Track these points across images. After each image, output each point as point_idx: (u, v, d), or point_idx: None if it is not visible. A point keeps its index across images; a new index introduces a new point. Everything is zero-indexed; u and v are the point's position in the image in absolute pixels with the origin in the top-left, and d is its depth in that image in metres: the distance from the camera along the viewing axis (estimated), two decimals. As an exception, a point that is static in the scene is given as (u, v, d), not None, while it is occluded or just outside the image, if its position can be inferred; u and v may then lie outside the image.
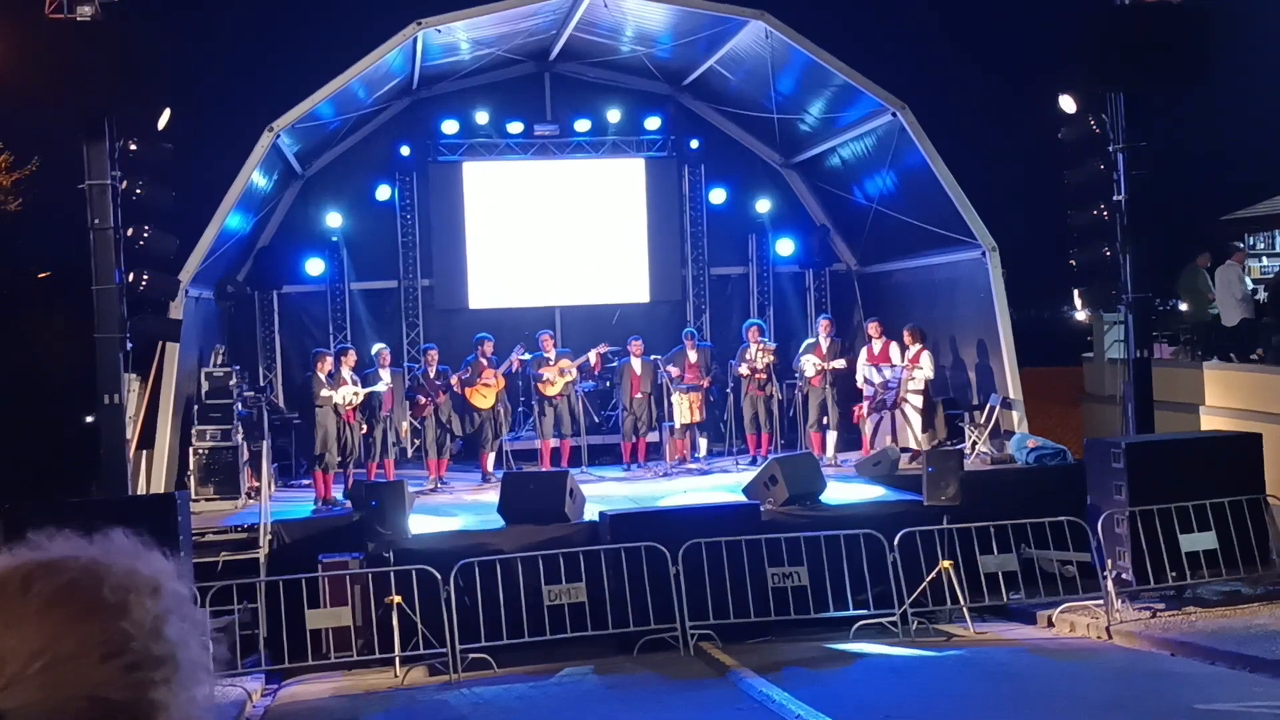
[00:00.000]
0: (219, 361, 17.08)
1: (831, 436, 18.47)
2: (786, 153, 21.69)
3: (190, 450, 16.21)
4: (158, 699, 1.37)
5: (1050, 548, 14.13)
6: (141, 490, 15.51)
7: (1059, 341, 25.99)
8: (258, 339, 20.27)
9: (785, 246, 21.66)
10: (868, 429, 18.16)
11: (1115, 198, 15.96)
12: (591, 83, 21.13)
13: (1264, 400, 15.93)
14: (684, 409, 17.94)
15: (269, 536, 14.28)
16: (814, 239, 21.56)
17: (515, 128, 20.73)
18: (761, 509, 14.49)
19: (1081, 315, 19.68)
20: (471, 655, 12.65)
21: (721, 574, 13.29)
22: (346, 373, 16.34)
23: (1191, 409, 16.93)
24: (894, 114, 17.95)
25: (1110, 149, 15.99)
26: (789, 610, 13.49)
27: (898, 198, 19.57)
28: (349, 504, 15.21)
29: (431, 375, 17.49)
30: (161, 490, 15.59)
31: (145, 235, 14.63)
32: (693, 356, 18.25)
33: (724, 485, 16.59)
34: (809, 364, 18.25)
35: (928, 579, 13.62)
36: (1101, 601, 13.14)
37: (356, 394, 16.29)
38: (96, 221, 14.24)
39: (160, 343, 16.02)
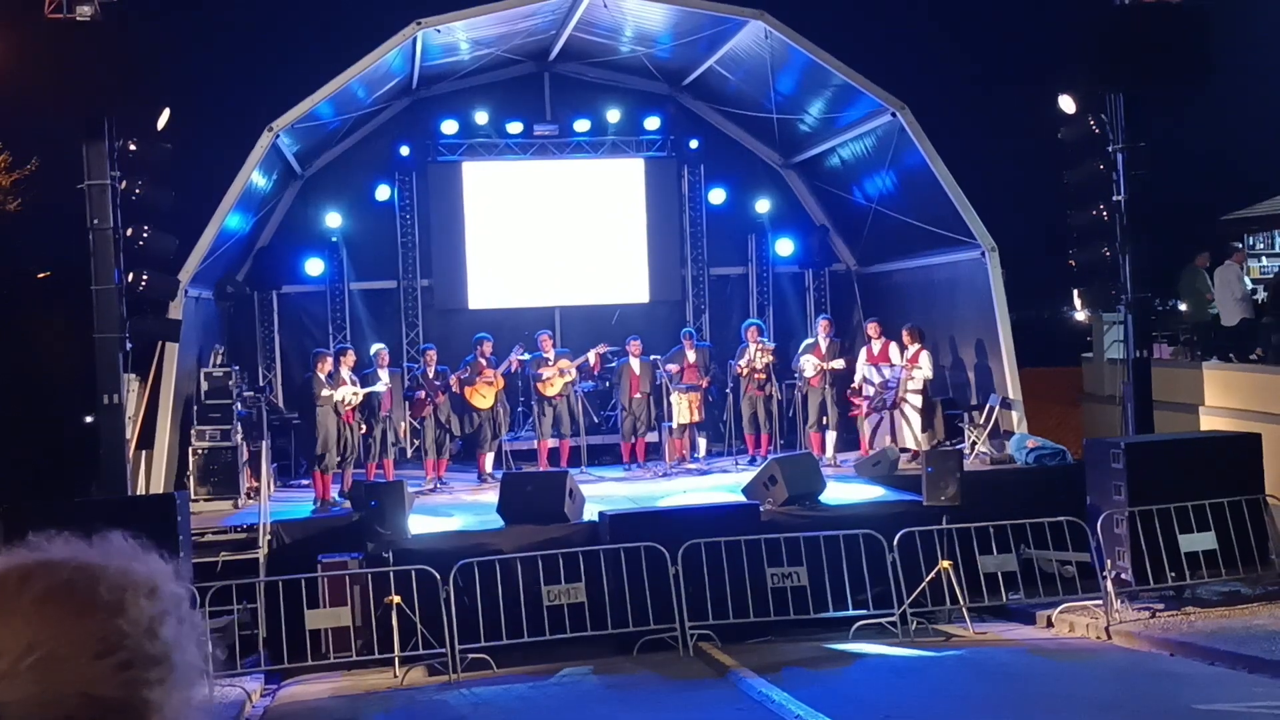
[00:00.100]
0: (218, 361, 17.08)
1: (831, 437, 18.47)
2: (786, 153, 21.69)
3: (190, 450, 16.22)
4: (151, 699, 1.37)
5: (1050, 548, 14.12)
6: (141, 490, 15.51)
7: (1059, 341, 25.96)
8: (257, 339, 20.27)
9: (785, 246, 21.67)
10: (867, 429, 18.17)
11: (1115, 198, 15.96)
12: (591, 83, 21.13)
13: (1263, 400, 15.92)
14: (683, 409, 17.94)
15: (268, 537, 14.29)
16: (813, 239, 21.57)
17: (515, 128, 20.73)
18: (761, 509, 14.48)
19: (1081, 315, 19.68)
20: (471, 655, 12.65)
21: (721, 574, 13.29)
22: (346, 373, 16.33)
23: (1191, 409, 16.93)
24: (893, 114, 17.95)
25: (1110, 149, 15.98)
26: (788, 610, 13.49)
27: (897, 198, 19.57)
28: (348, 504, 15.21)
29: (430, 375, 17.49)
30: (161, 490, 15.59)
31: (145, 235, 14.63)
32: (691, 356, 18.24)
33: (723, 485, 16.59)
34: (808, 364, 18.25)
35: (927, 579, 13.61)
36: (1101, 602, 13.14)
37: (356, 394, 16.29)
38: (96, 221, 14.24)
39: (160, 343, 16.01)
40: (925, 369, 17.57)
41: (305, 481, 17.42)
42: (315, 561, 13.48)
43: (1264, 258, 22.53)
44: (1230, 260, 18.32)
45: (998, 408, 17.72)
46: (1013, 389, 17.82)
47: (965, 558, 13.72)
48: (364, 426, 16.69)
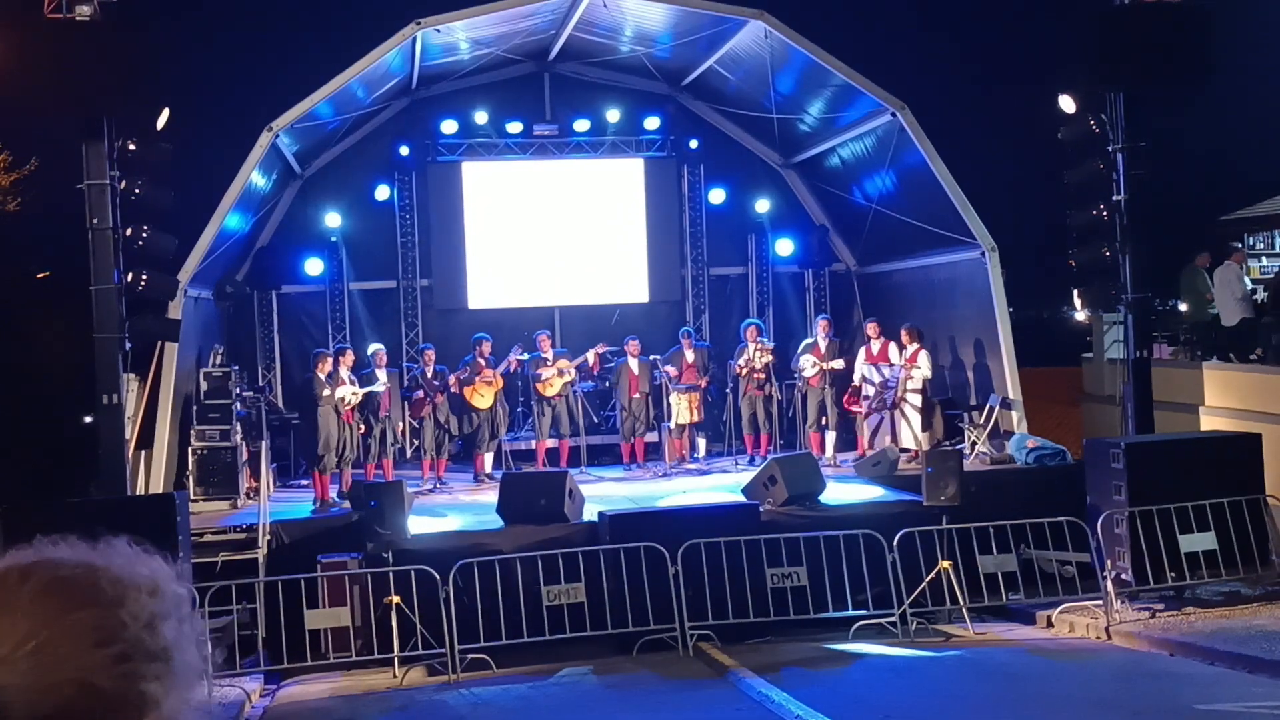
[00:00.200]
0: (218, 361, 17.07)
1: (830, 437, 18.46)
2: (786, 153, 21.69)
3: (189, 450, 16.21)
4: (148, 693, 1.38)
5: (1050, 548, 14.12)
6: (140, 490, 15.50)
7: (1058, 341, 25.98)
8: (257, 339, 20.26)
9: (784, 246, 21.66)
10: (866, 429, 18.16)
11: (1115, 198, 15.95)
12: (591, 83, 21.13)
13: (1263, 400, 15.92)
14: (682, 409, 17.93)
15: (268, 537, 14.28)
16: (813, 239, 21.57)
17: (514, 128, 20.72)
18: (761, 509, 14.47)
19: (1081, 315, 19.68)
20: (470, 655, 12.64)
21: (721, 574, 13.28)
22: (345, 373, 16.33)
23: (1191, 409, 16.92)
24: (893, 114, 17.95)
25: (1110, 149, 15.97)
26: (788, 610, 13.48)
27: (897, 198, 19.56)
28: (348, 504, 15.20)
29: (429, 375, 17.48)
30: (160, 490, 15.58)
31: (144, 235, 14.62)
32: (690, 356, 18.23)
33: (723, 485, 16.58)
34: (807, 364, 18.24)
35: (927, 579, 13.60)
36: (1101, 602, 13.13)
37: (355, 394, 16.29)
38: (95, 221, 14.22)
39: (159, 343, 16.00)
40: (924, 368, 17.57)
41: (305, 481, 17.42)
42: (315, 562, 13.47)
43: (1264, 258, 22.54)
44: (1230, 260, 18.32)
45: (997, 408, 17.71)
46: (1012, 389, 17.81)
47: (965, 558, 13.71)
48: (363, 426, 16.69)
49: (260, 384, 19.20)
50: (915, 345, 17.62)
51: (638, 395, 18.24)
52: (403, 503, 13.79)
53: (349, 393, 16.20)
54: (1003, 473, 16.37)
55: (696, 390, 18.06)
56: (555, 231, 20.83)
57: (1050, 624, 13.52)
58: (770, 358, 18.36)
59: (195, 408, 16.46)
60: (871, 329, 18.25)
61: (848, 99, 18.77)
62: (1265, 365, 16.65)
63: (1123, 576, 13.29)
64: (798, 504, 14.79)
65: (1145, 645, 12.26)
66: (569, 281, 20.82)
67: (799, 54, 18.03)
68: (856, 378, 18.14)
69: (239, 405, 16.78)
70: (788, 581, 13.57)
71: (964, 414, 18.18)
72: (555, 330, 20.04)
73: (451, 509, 15.77)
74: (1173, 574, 13.28)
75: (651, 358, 18.42)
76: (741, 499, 15.04)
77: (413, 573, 12.83)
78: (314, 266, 20.06)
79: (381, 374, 16.90)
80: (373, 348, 17.45)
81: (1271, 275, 20.37)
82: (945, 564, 13.64)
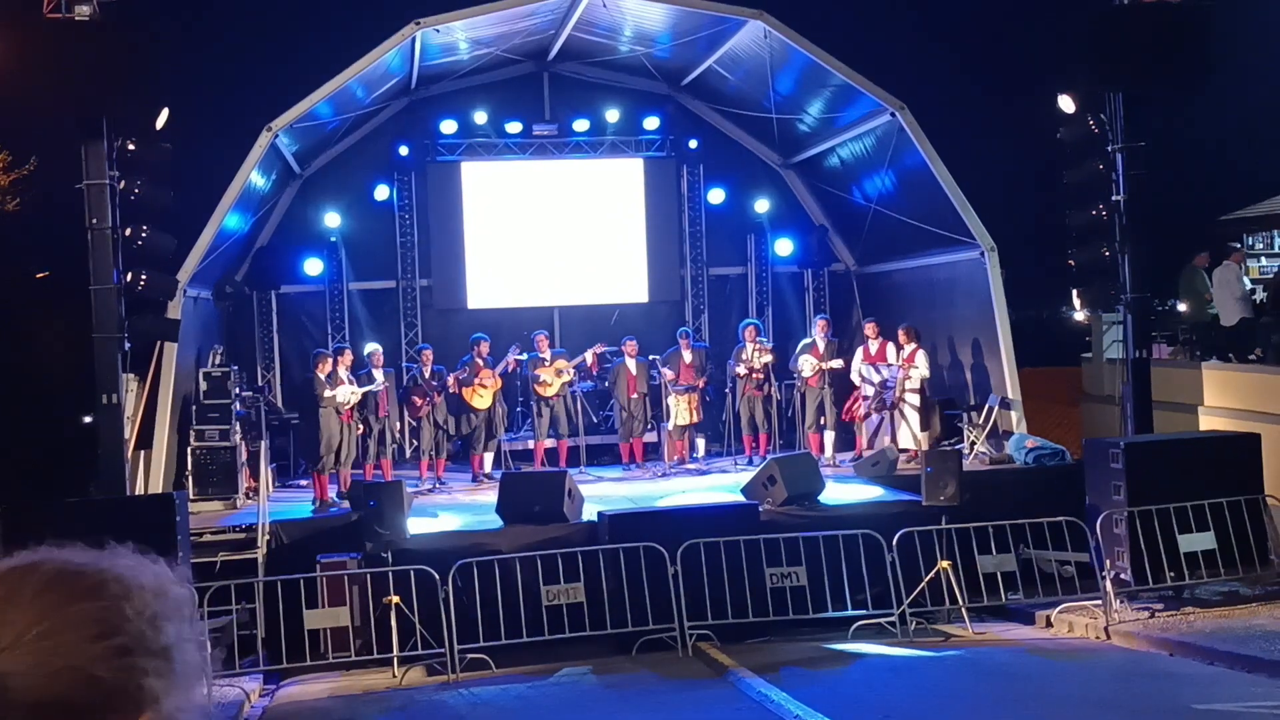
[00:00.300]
0: (217, 361, 17.08)
1: (829, 437, 18.46)
2: (785, 153, 21.69)
3: (188, 450, 16.20)
4: (148, 688, 1.39)
5: (1049, 548, 14.12)
6: (140, 490, 15.50)
7: (1058, 341, 25.96)
8: (256, 339, 20.27)
9: (784, 246, 21.66)
10: (865, 430, 18.15)
11: (1114, 198, 15.95)
12: (590, 82, 21.13)
13: (1263, 400, 15.92)
14: (680, 410, 17.93)
15: (267, 537, 14.27)
16: (813, 239, 21.56)
17: (514, 128, 20.73)
18: (760, 509, 14.48)
19: (1080, 315, 19.67)
20: (470, 655, 12.64)
21: (720, 574, 13.28)
22: (343, 373, 16.34)
23: (1190, 409, 16.93)
24: (893, 114, 17.95)
25: (1109, 149, 15.97)
26: (787, 610, 13.48)
27: (896, 198, 19.56)
28: (347, 504, 15.20)
29: (427, 375, 17.48)
30: (160, 490, 15.57)
31: (143, 235, 14.62)
32: (688, 357, 18.23)
33: (722, 485, 16.59)
34: (806, 364, 18.24)
35: (926, 579, 13.61)
36: (1100, 602, 13.13)
37: (354, 394, 16.30)
38: (94, 221, 14.22)
39: (158, 343, 16.00)
40: (922, 368, 17.56)
41: (304, 481, 17.42)
42: (314, 561, 13.47)
43: (1263, 258, 22.55)
44: (1229, 260, 18.32)
45: (997, 408, 17.71)
46: (1012, 389, 17.81)
47: (964, 558, 13.71)
48: (361, 426, 16.69)
49: (259, 384, 19.20)
50: (913, 345, 17.62)
51: (636, 395, 18.24)
52: (402, 503, 13.79)
53: (349, 392, 16.20)
54: (1002, 473, 16.38)
55: (694, 391, 18.06)
56: (554, 231, 20.83)
57: (1049, 624, 13.52)
58: (769, 358, 18.36)
59: (195, 408, 16.46)
60: (870, 329, 18.25)
61: (847, 99, 18.77)
62: (1264, 365, 16.65)
63: (1122, 576, 13.30)
64: (797, 504, 14.79)
65: (1144, 645, 12.27)
66: (568, 281, 20.82)
67: (798, 54, 18.03)
68: (855, 377, 18.13)
69: (238, 405, 16.78)
70: (787, 581, 13.57)
71: (963, 414, 18.18)
72: (555, 330, 20.04)
73: (450, 509, 15.78)
74: (1172, 574, 13.28)
75: (650, 358, 18.42)
76: (741, 499, 15.05)
77: (412, 573, 12.83)
78: (313, 266, 20.06)
79: (378, 374, 16.90)
80: (369, 347, 17.46)
81: (1271, 275, 20.37)
82: (944, 564, 13.65)
